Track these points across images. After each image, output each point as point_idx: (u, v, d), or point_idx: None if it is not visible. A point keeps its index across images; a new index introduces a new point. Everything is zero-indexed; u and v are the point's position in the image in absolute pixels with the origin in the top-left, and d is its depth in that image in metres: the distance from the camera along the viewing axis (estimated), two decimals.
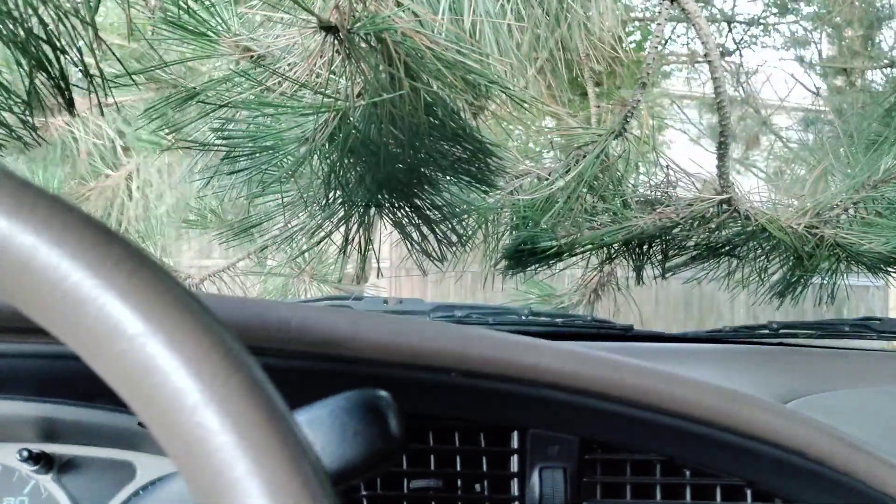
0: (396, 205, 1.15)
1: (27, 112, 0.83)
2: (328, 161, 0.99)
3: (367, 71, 0.88)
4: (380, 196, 1.11)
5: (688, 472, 0.65)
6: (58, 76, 0.81)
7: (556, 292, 2.00)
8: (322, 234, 1.22)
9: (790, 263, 1.40)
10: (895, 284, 1.45)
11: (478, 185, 1.13)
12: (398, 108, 0.90)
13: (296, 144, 0.95)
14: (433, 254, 1.24)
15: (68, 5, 0.78)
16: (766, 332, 1.06)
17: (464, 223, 1.27)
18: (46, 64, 0.80)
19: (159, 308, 0.25)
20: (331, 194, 1.08)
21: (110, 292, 0.25)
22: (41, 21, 0.77)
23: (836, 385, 0.87)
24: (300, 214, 1.19)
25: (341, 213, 1.17)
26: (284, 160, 0.98)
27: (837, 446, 0.61)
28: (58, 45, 0.79)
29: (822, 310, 1.61)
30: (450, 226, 1.21)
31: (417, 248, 1.23)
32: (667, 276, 1.49)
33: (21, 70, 0.79)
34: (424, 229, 1.20)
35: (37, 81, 0.81)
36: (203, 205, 1.80)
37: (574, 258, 1.42)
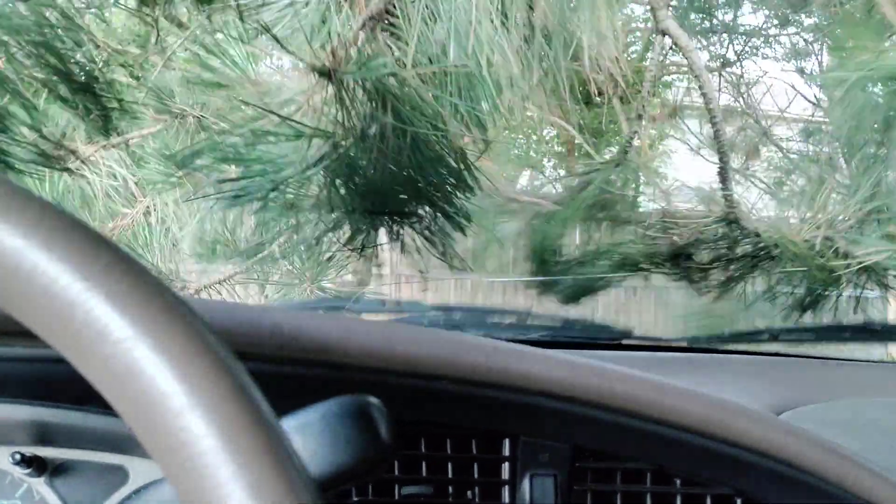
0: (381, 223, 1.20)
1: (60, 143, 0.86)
2: (321, 180, 1.04)
3: (357, 109, 0.93)
4: (371, 211, 1.15)
5: (678, 482, 0.65)
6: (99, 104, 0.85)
7: None
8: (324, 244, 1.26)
9: (809, 279, 1.40)
10: None
11: (453, 219, 1.18)
12: (383, 144, 0.95)
13: (290, 168, 1.00)
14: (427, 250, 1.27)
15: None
16: (765, 336, 1.06)
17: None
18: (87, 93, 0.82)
19: (146, 312, 0.25)
20: (323, 211, 1.13)
21: (98, 296, 0.25)
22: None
23: (831, 396, 0.87)
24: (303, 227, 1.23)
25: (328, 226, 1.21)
26: (281, 182, 1.03)
27: (828, 457, 0.61)
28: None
29: (822, 321, 1.61)
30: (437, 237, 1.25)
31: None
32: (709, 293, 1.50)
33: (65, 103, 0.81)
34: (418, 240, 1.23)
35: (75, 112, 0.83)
36: (216, 236, 1.81)
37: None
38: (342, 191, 1.08)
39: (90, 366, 0.25)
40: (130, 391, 0.25)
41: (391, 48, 0.98)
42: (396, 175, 1.04)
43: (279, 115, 0.95)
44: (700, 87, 1.20)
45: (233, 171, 1.05)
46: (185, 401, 0.25)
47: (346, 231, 1.21)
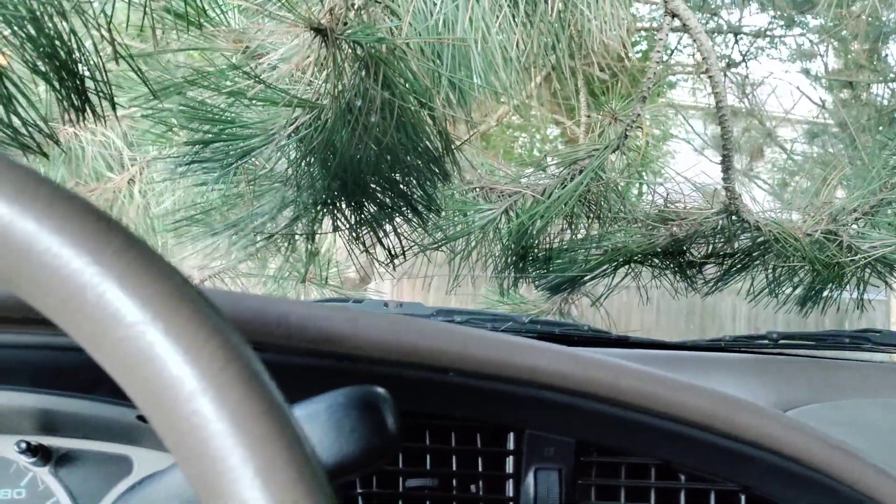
0: (353, 205, 1.18)
1: (44, 119, 0.85)
2: (298, 152, 1.02)
3: (347, 77, 0.91)
4: (336, 194, 1.13)
5: (683, 477, 0.65)
6: (77, 83, 0.83)
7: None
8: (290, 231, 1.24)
9: (811, 275, 1.39)
10: None
11: (426, 206, 1.16)
12: (365, 116, 0.93)
13: (263, 136, 0.98)
14: (390, 251, 1.26)
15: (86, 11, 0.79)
16: (766, 342, 1.06)
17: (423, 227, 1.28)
18: (63, 70, 0.81)
19: (158, 297, 0.25)
20: (290, 192, 1.11)
21: (110, 280, 0.25)
22: (64, 16, 0.78)
23: (834, 396, 0.87)
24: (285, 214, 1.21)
25: (291, 211, 1.19)
26: (252, 151, 1.01)
27: (834, 454, 0.61)
28: (76, 46, 0.80)
29: (824, 322, 1.60)
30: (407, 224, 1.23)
31: (370, 248, 1.25)
32: (704, 292, 1.49)
33: (40, 76, 0.80)
34: (380, 230, 1.22)
35: (51, 89, 0.81)
36: (207, 201, 1.79)
37: (597, 271, 1.43)
38: (314, 169, 1.05)
39: (101, 349, 0.25)
40: (142, 375, 0.25)
41: (386, 20, 0.96)
42: (377, 156, 1.01)
43: (262, 81, 0.92)
44: (707, 71, 1.20)
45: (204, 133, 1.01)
46: (196, 385, 0.25)
47: (302, 214, 1.19)
